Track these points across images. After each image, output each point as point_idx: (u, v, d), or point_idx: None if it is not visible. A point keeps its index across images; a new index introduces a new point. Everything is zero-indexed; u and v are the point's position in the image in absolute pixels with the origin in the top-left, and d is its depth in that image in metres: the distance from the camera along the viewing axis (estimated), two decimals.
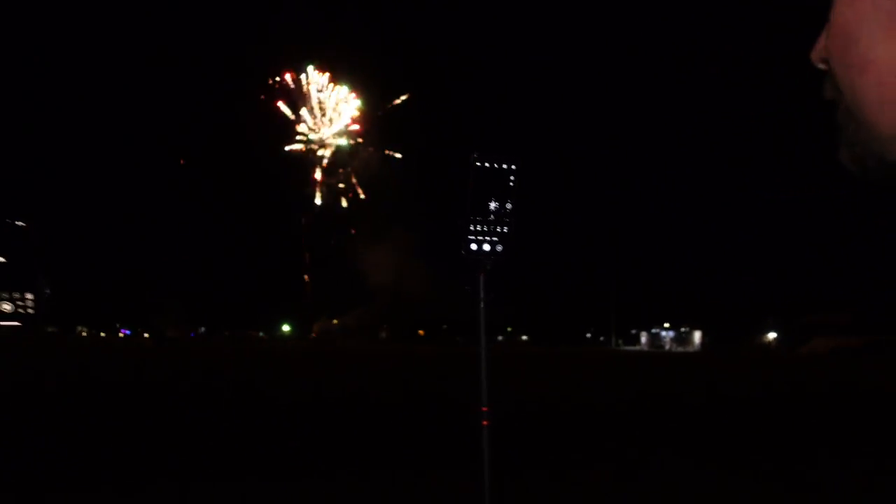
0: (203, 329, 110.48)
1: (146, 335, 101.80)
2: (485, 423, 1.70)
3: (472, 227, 1.37)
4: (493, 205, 1.34)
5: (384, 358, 37.14)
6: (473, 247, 1.37)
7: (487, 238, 1.35)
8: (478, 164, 1.35)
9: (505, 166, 1.34)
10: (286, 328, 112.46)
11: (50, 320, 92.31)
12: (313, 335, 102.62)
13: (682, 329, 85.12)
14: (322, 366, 25.18)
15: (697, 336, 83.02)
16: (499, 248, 1.36)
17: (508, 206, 1.37)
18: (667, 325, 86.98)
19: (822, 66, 0.55)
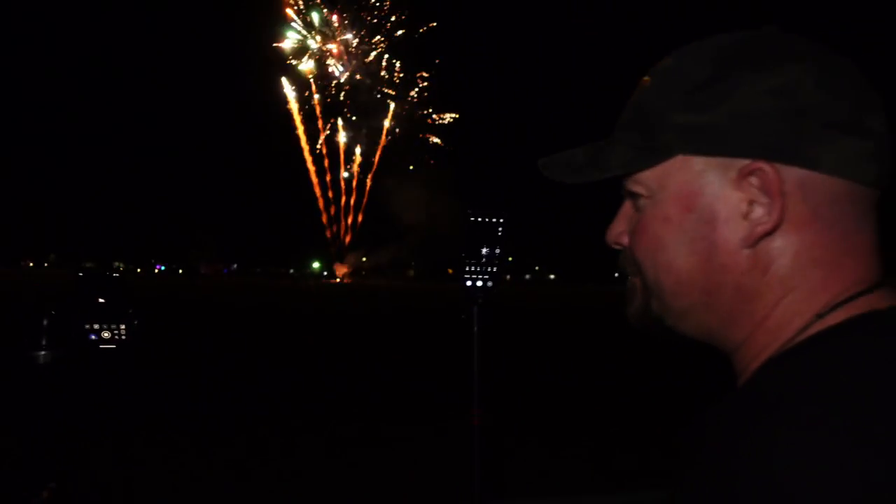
0: (235, 266, 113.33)
1: (180, 271, 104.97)
2: (475, 422, 1.89)
3: (467, 269, 1.66)
4: (484, 250, 1.65)
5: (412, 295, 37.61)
6: (468, 283, 1.67)
7: (480, 276, 1.66)
8: (471, 218, 1.64)
9: (494, 219, 1.64)
10: (316, 265, 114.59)
11: (87, 258, 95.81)
12: (341, 275, 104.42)
13: None
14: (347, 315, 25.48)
15: None
16: (489, 284, 1.67)
17: (497, 251, 1.66)
18: None
19: (616, 246, 0.74)
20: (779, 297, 0.63)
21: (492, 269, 1.63)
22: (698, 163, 0.63)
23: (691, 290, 0.66)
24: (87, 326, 1.61)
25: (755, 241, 0.61)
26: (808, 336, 0.60)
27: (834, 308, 0.60)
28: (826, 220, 0.61)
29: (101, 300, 1.60)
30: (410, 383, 8.72)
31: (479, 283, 1.64)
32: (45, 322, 1.57)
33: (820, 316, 0.60)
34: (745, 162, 0.61)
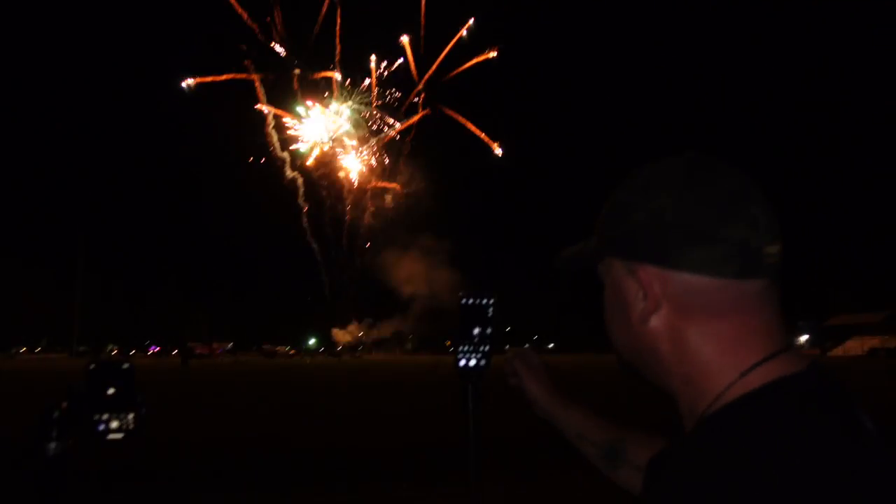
0: (230, 345, 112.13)
1: (175, 351, 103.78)
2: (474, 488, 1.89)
3: (460, 349, 1.69)
4: (476, 330, 1.68)
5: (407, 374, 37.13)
6: (462, 363, 1.69)
7: (473, 356, 1.69)
8: (463, 301, 1.67)
9: (484, 301, 1.67)
10: (312, 341, 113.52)
11: (81, 340, 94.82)
12: (342, 341, 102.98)
13: None
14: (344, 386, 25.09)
15: None
16: (482, 363, 1.69)
17: (489, 331, 1.69)
18: None
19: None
20: (688, 362, 0.83)
21: (484, 348, 1.67)
22: (617, 262, 0.89)
23: (628, 353, 0.92)
24: (97, 417, 1.67)
25: (645, 321, 0.86)
26: (729, 400, 0.78)
27: (748, 371, 0.79)
28: (707, 304, 0.82)
29: (110, 390, 1.66)
30: (411, 451, 8.58)
31: (472, 363, 1.68)
32: (55, 414, 1.62)
33: (744, 374, 0.79)
34: (637, 263, 0.86)
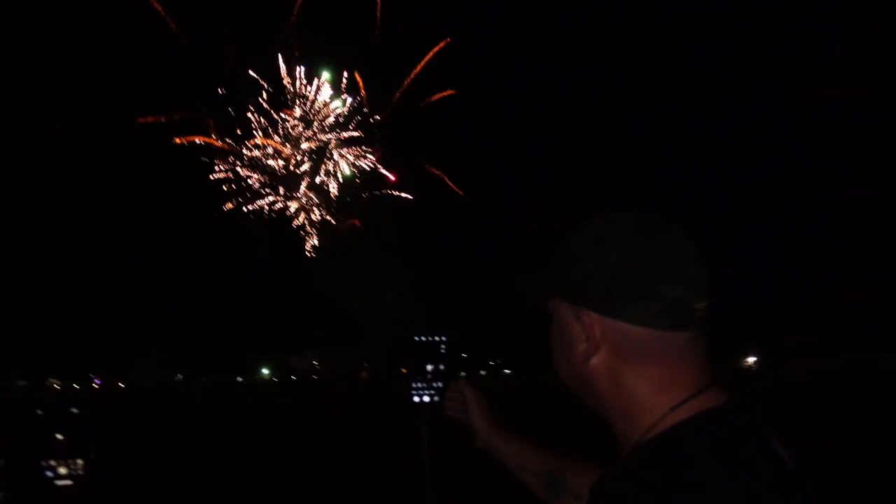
0: (180, 376, 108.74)
1: (120, 385, 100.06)
2: None
3: (413, 385, 1.71)
4: (429, 367, 1.71)
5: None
6: (416, 399, 1.71)
7: (427, 392, 1.72)
8: (415, 338, 1.70)
9: (436, 338, 1.71)
10: (265, 371, 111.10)
11: (20, 374, 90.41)
12: (298, 367, 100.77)
13: None
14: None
15: None
16: (436, 398, 1.71)
17: (442, 367, 1.72)
18: None
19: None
20: (624, 398, 0.95)
21: (437, 384, 1.70)
22: (564, 304, 1.00)
23: (570, 383, 1.03)
24: (43, 464, 1.63)
25: (587, 359, 0.96)
26: (660, 431, 0.90)
27: (677, 406, 0.90)
28: (642, 351, 0.93)
29: (58, 437, 1.63)
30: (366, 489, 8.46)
31: (427, 399, 1.71)
32: (0, 462, 1.58)
33: (674, 408, 0.90)
34: (582, 309, 0.96)
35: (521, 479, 1.50)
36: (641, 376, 0.93)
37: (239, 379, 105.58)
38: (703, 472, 0.81)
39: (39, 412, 1.43)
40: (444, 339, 1.71)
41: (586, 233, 0.98)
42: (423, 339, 1.71)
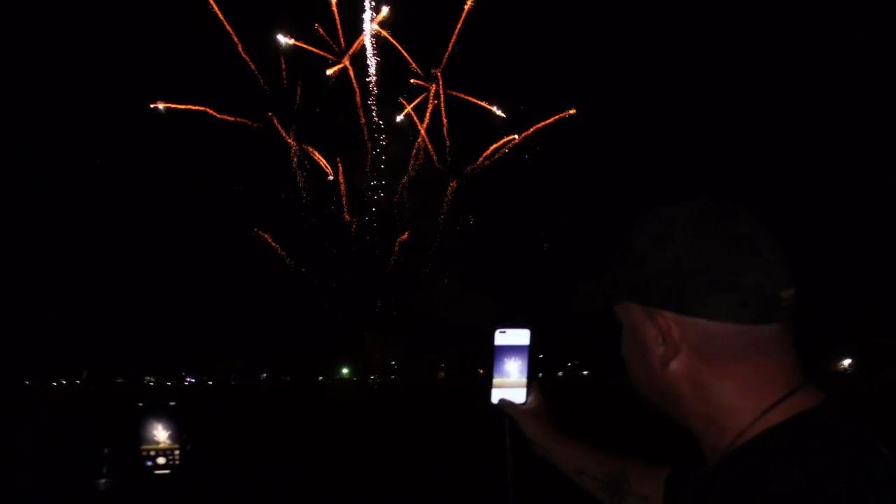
0: (265, 375, 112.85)
1: (210, 383, 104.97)
2: None
3: (493, 384, 1.63)
4: (511, 364, 1.63)
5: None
6: (493, 400, 1.62)
7: (509, 391, 1.62)
8: (497, 333, 1.64)
9: (520, 333, 1.62)
10: (345, 371, 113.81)
11: (119, 371, 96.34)
12: (372, 378, 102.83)
13: None
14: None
15: None
16: (518, 399, 1.61)
17: (525, 364, 1.64)
18: None
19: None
20: (709, 403, 0.86)
21: (521, 381, 1.61)
22: (634, 306, 0.92)
23: (649, 393, 0.94)
24: (144, 454, 1.72)
25: (666, 364, 0.88)
26: (751, 437, 0.82)
27: (769, 409, 0.82)
28: (726, 349, 0.84)
29: (157, 428, 1.72)
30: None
31: (509, 398, 1.61)
32: (105, 451, 1.69)
33: (765, 412, 0.82)
34: (654, 309, 0.88)
35: (580, 484, 1.43)
36: (727, 377, 0.85)
37: (320, 378, 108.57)
38: (804, 481, 0.73)
39: (140, 405, 1.53)
40: (527, 334, 1.64)
41: (648, 227, 0.90)
42: (505, 333, 1.63)
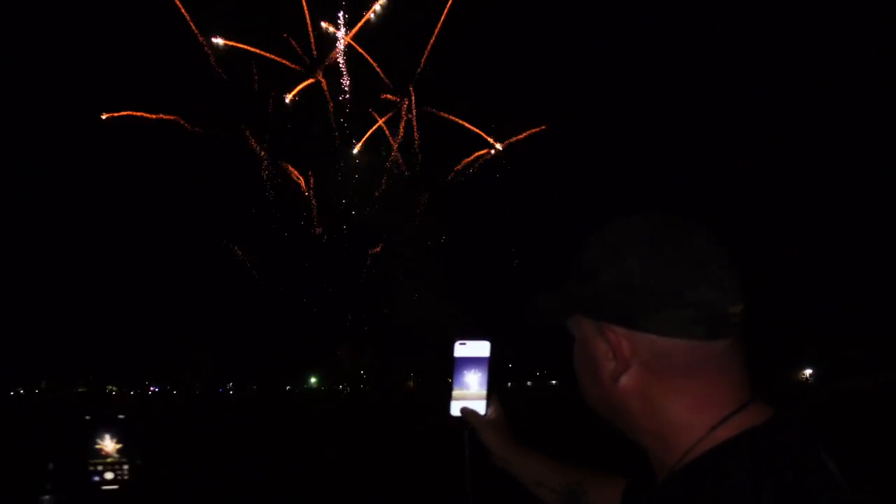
0: (231, 384, 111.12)
1: (174, 392, 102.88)
2: None
3: (452, 395, 1.64)
4: (471, 376, 1.63)
5: None
6: (453, 412, 1.61)
7: (468, 402, 1.62)
8: (457, 344, 1.64)
9: (480, 345, 1.63)
10: (314, 380, 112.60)
11: (79, 381, 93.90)
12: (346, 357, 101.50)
13: None
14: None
15: None
16: (478, 409, 1.60)
17: (485, 376, 1.64)
18: None
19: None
20: (658, 419, 0.86)
21: (480, 393, 1.61)
22: (585, 320, 0.92)
23: (599, 407, 0.94)
24: (91, 468, 1.66)
25: (616, 378, 0.88)
26: (699, 454, 0.81)
27: (717, 426, 0.82)
28: (676, 365, 0.84)
29: (105, 441, 1.66)
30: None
31: (468, 409, 1.60)
32: (50, 466, 1.62)
33: (713, 428, 0.82)
34: (605, 324, 0.88)
35: (539, 496, 1.44)
36: (677, 393, 0.84)
37: (287, 387, 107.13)
38: (752, 499, 0.74)
39: (87, 418, 1.48)
40: (487, 345, 1.63)
41: (600, 241, 0.90)
42: (465, 345, 1.63)
